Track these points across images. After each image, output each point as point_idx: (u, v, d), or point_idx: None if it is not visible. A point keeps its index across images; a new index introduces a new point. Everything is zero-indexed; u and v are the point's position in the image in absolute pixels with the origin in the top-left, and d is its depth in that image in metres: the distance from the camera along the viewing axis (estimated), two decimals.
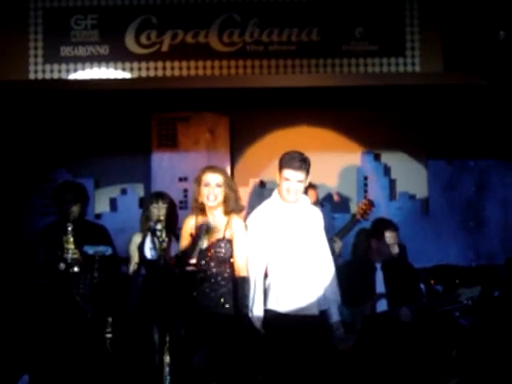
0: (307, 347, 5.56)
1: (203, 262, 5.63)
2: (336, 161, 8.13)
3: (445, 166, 8.20)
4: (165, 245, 5.75)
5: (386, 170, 8.23)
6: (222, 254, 5.62)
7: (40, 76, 7.48)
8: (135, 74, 7.46)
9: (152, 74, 7.46)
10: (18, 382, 6.00)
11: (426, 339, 6.15)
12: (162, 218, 6.38)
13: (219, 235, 5.66)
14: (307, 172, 5.63)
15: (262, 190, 7.97)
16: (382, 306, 6.53)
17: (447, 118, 8.07)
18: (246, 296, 5.51)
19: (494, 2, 7.16)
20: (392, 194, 8.22)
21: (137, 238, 6.66)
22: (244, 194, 7.85)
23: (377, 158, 8.23)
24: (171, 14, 7.45)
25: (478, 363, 5.90)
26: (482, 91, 7.45)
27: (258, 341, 5.53)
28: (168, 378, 5.59)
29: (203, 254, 5.64)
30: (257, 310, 5.54)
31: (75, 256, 6.59)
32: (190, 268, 5.59)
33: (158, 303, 5.70)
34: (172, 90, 7.60)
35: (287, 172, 5.57)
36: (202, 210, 5.73)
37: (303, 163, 5.59)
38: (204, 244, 5.65)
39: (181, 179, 7.99)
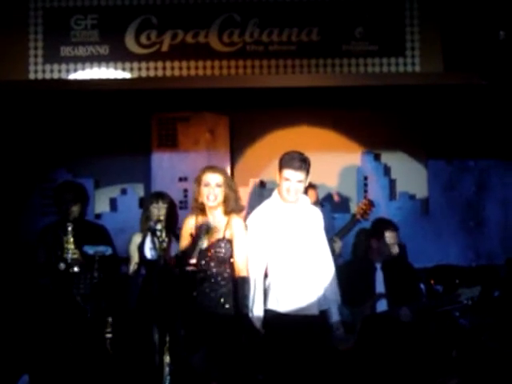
0: (307, 347, 5.56)
1: (203, 262, 5.63)
2: (336, 161, 8.12)
3: (445, 165, 8.20)
4: (165, 245, 5.75)
5: (386, 170, 8.23)
6: (221, 254, 5.62)
7: (40, 76, 7.48)
8: (135, 74, 7.46)
9: (152, 74, 7.46)
10: (18, 382, 6.00)
11: (426, 339, 6.15)
12: (162, 218, 6.38)
13: (219, 235, 5.66)
14: (307, 172, 5.63)
15: (262, 190, 7.97)
16: (381, 305, 6.53)
17: (447, 118, 8.07)
18: (246, 296, 5.51)
19: (493, 2, 7.16)
20: (392, 194, 8.22)
21: (137, 238, 6.66)
22: (244, 193, 7.84)
23: (377, 158, 8.23)
24: (171, 13, 7.45)
25: (478, 363, 5.90)
26: (481, 91, 7.45)
27: (258, 341, 5.53)
28: (168, 378, 5.59)
29: (203, 253, 5.64)
30: (257, 310, 5.54)
31: (75, 256, 6.59)
32: (190, 268, 5.59)
33: (158, 303, 5.71)
34: (172, 89, 7.60)
35: (287, 172, 5.57)
36: (201, 210, 5.73)
37: (303, 163, 5.59)
38: (204, 244, 5.64)
39: (181, 179, 7.99)
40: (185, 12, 7.45)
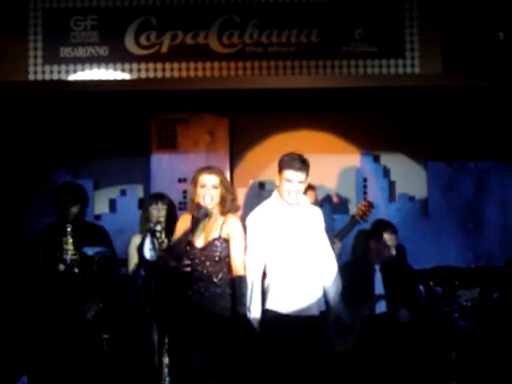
0: (306, 348, 5.56)
1: (198, 262, 5.62)
2: (335, 162, 8.12)
3: (444, 167, 8.20)
4: (164, 246, 5.77)
5: (386, 172, 8.22)
6: (217, 254, 5.61)
7: (40, 77, 7.48)
8: (135, 75, 7.46)
9: (151, 75, 7.46)
10: (17, 383, 6.00)
11: (425, 341, 6.14)
12: (162, 219, 6.38)
13: (215, 234, 5.65)
14: (307, 173, 5.64)
15: (261, 192, 7.97)
16: (381, 307, 6.53)
17: (447, 120, 8.07)
18: (243, 295, 5.51)
19: (493, 4, 7.16)
20: (391, 196, 8.21)
21: (136, 239, 6.66)
22: (243, 195, 7.87)
23: (376, 159, 8.22)
24: (171, 15, 7.45)
25: (478, 365, 5.90)
26: (481, 93, 7.45)
27: (255, 340, 5.52)
28: (167, 378, 5.60)
29: (199, 253, 5.63)
30: (254, 310, 5.54)
31: (74, 257, 6.60)
32: (185, 268, 5.60)
33: (157, 304, 5.71)
34: (171, 91, 7.59)
35: (288, 173, 5.58)
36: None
37: (303, 164, 5.61)
38: (200, 231, 5.64)
39: (180, 180, 7.98)
40: (184, 13, 7.45)
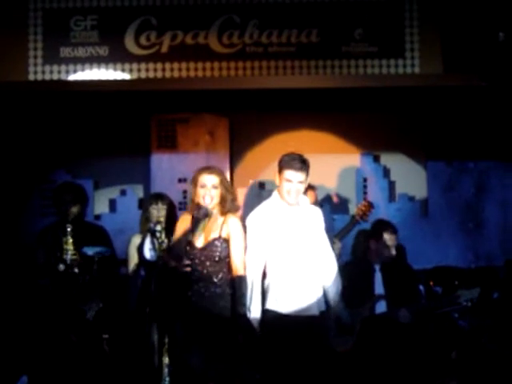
0: (306, 348, 5.56)
1: (198, 262, 5.62)
2: (335, 162, 8.12)
3: (444, 167, 8.20)
4: (164, 246, 5.77)
5: (386, 172, 8.22)
6: (217, 253, 5.61)
7: (39, 77, 7.49)
8: (135, 75, 7.46)
9: (151, 75, 7.46)
10: (17, 383, 6.00)
11: (425, 341, 6.14)
12: (162, 219, 6.38)
13: (215, 234, 5.65)
14: (307, 173, 5.65)
15: (261, 192, 7.97)
16: (381, 307, 6.53)
17: (447, 120, 8.07)
18: (243, 295, 5.51)
19: (493, 4, 7.16)
20: (391, 196, 8.21)
21: (136, 239, 6.66)
22: (243, 195, 7.87)
23: (376, 159, 8.22)
24: (171, 15, 7.45)
25: (478, 365, 5.90)
26: (481, 93, 7.45)
27: (255, 340, 5.52)
28: (167, 379, 5.59)
29: (199, 253, 5.63)
30: (254, 309, 5.54)
31: (74, 257, 6.60)
32: (185, 268, 5.60)
33: (157, 304, 5.71)
34: (171, 91, 7.59)
35: (289, 173, 5.58)
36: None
37: (304, 164, 5.61)
38: (201, 232, 5.64)
39: (180, 180, 7.98)
40: (184, 13, 7.45)
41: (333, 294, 5.79)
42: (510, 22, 7.09)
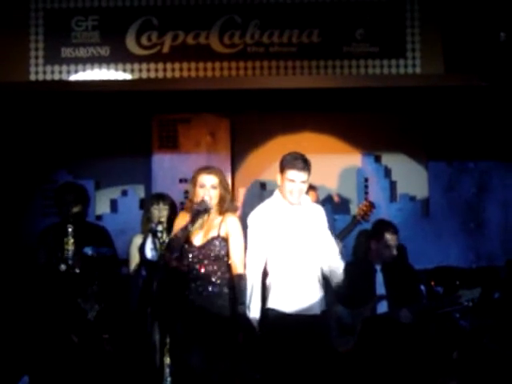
0: (308, 347, 5.55)
1: (196, 260, 5.62)
2: (336, 162, 8.12)
3: (445, 167, 8.20)
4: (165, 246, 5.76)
5: (387, 172, 8.22)
6: (216, 252, 5.61)
7: (41, 77, 7.49)
8: (136, 76, 7.47)
9: (153, 75, 7.46)
10: (18, 383, 6.01)
11: (427, 341, 6.14)
12: (163, 219, 6.37)
13: (214, 233, 5.65)
14: (309, 172, 5.64)
15: (262, 192, 7.97)
16: (382, 307, 6.53)
17: (448, 120, 8.07)
18: (242, 293, 5.50)
19: (494, 4, 7.16)
20: (392, 196, 8.21)
21: (137, 240, 6.66)
22: (244, 195, 7.87)
23: (377, 159, 8.22)
24: (172, 15, 7.45)
25: (479, 365, 5.89)
26: (482, 93, 7.46)
27: (255, 339, 5.52)
28: (169, 379, 5.60)
29: (197, 251, 5.63)
30: (254, 308, 5.53)
31: (76, 257, 6.60)
32: (182, 267, 5.60)
33: (159, 304, 5.71)
34: (173, 91, 7.60)
35: (291, 173, 5.57)
36: None
37: (306, 164, 5.61)
38: (198, 227, 5.63)
39: (181, 181, 7.98)
40: (186, 13, 7.45)
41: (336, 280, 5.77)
42: (511, 22, 7.09)
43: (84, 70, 7.47)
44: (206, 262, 5.62)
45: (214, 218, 5.70)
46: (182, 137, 8.10)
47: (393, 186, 8.20)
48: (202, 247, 5.64)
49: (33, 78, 7.48)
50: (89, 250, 6.55)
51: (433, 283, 7.28)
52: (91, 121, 8.05)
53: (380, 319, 6.35)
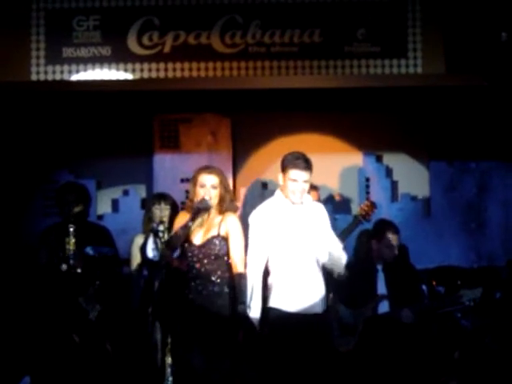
0: (309, 346, 5.55)
1: (196, 259, 5.62)
2: (338, 162, 8.12)
3: (446, 167, 8.20)
4: None
5: (388, 172, 8.22)
6: (216, 251, 5.60)
7: (42, 77, 7.50)
8: (137, 76, 7.47)
9: (154, 75, 7.47)
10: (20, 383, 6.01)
11: (428, 341, 6.15)
12: (165, 219, 6.38)
13: (214, 232, 5.64)
14: (311, 172, 5.63)
15: (264, 191, 7.97)
16: (383, 307, 6.53)
17: (449, 120, 8.07)
18: (242, 292, 5.49)
19: (495, 4, 7.17)
20: (394, 196, 8.21)
21: (139, 239, 6.66)
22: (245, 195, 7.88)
23: (379, 159, 8.22)
24: (173, 15, 7.45)
25: (480, 365, 5.90)
26: (483, 93, 7.46)
27: (255, 338, 5.52)
28: (170, 378, 5.60)
29: (197, 250, 5.63)
30: (254, 307, 5.52)
31: (77, 257, 6.60)
32: (184, 267, 5.60)
33: (160, 304, 5.72)
34: (174, 91, 7.60)
35: (294, 172, 5.55)
36: None
37: (308, 163, 5.59)
38: (198, 225, 5.63)
39: (183, 180, 7.98)
40: (187, 13, 7.46)
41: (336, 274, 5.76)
42: None
43: (85, 70, 7.48)
44: (205, 261, 5.61)
45: (214, 217, 5.69)
46: (184, 137, 8.10)
47: (394, 185, 8.20)
48: (202, 246, 5.63)
49: (34, 77, 7.49)
50: (90, 250, 6.55)
51: (434, 283, 7.28)
52: (92, 121, 8.05)
53: (381, 319, 6.35)
